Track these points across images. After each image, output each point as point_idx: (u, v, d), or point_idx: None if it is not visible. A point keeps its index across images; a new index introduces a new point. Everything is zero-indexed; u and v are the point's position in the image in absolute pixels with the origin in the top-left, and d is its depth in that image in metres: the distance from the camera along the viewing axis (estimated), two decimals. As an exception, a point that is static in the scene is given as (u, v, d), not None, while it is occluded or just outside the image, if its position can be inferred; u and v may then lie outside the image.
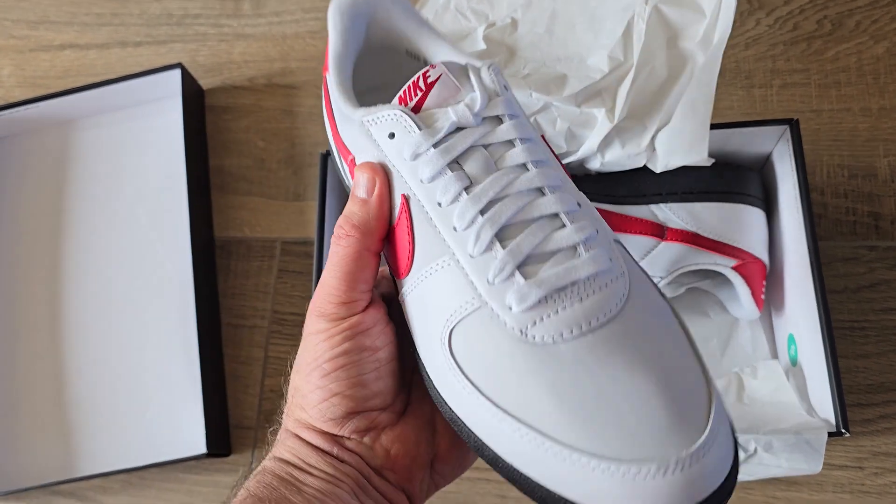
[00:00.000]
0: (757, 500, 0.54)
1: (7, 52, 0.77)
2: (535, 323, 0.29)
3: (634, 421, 0.27)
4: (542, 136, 0.35)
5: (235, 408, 0.63)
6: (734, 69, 0.63)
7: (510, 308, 0.29)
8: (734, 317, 0.57)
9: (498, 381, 0.29)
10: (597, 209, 0.51)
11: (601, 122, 0.49)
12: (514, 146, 0.32)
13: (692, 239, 0.51)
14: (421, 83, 0.33)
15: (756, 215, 0.53)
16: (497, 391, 0.29)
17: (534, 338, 0.29)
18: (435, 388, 0.32)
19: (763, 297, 0.53)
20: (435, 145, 0.32)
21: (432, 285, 0.31)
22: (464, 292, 0.30)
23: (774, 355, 0.56)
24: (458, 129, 0.32)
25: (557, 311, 0.29)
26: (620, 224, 0.51)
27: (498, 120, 0.32)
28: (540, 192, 0.31)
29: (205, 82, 0.71)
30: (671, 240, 0.51)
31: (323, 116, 0.40)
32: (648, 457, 0.26)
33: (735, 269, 0.52)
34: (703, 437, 0.26)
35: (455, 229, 0.31)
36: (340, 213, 0.34)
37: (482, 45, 0.52)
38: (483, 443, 0.30)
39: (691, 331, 0.31)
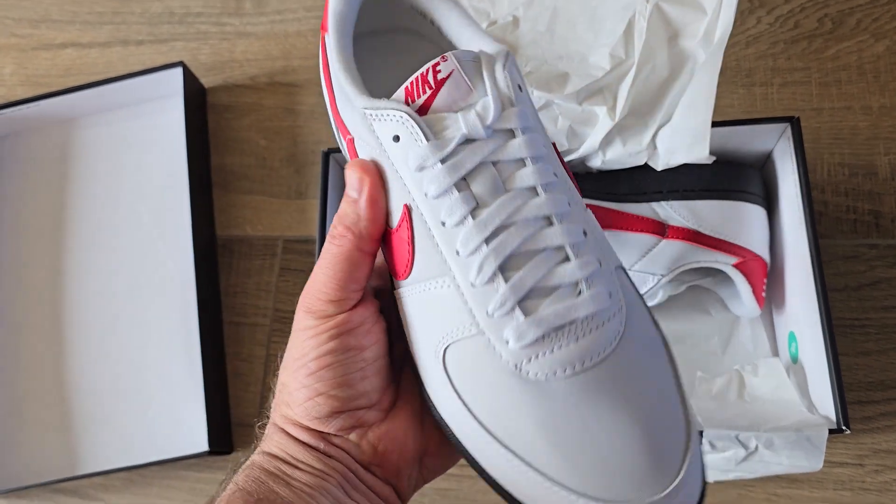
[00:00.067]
0: (758, 497, 0.54)
1: (9, 50, 0.77)
2: (530, 360, 0.29)
3: (614, 463, 0.28)
4: (554, 144, 0.34)
5: (237, 406, 0.63)
6: (735, 67, 0.63)
7: (507, 342, 0.29)
8: (735, 314, 0.57)
9: (488, 406, 0.30)
10: (598, 207, 0.51)
11: (602, 119, 0.49)
12: (524, 165, 0.31)
13: (693, 237, 0.51)
14: (430, 78, 0.31)
15: (757, 213, 0.53)
16: (487, 415, 0.30)
17: (528, 373, 0.29)
18: (426, 391, 0.32)
19: (764, 294, 0.54)
20: (443, 160, 0.30)
21: (430, 301, 0.31)
22: (461, 317, 0.30)
23: (775, 353, 0.56)
24: (467, 140, 0.30)
25: (553, 350, 0.29)
26: (621, 222, 0.51)
27: (510, 134, 0.31)
28: (548, 220, 0.30)
29: (206, 81, 0.72)
30: (672, 238, 0.51)
31: (320, 79, 0.37)
32: (623, 499, 0.28)
33: (736, 266, 0.52)
34: (675, 483, 0.28)
35: (458, 253, 0.30)
36: None
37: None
38: (468, 452, 0.31)
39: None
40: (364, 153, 0.33)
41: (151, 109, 0.71)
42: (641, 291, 0.52)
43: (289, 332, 0.34)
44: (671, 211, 0.51)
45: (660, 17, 0.47)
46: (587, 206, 0.51)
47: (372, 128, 0.32)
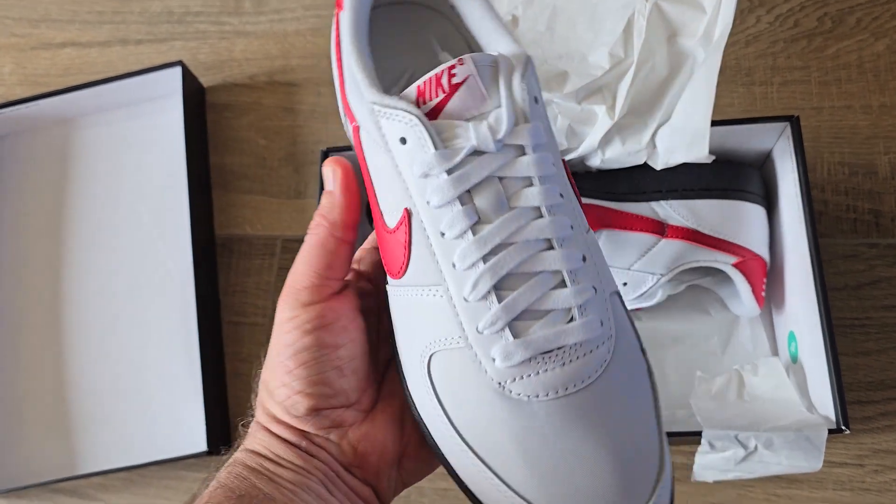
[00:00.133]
0: (757, 497, 0.54)
1: (8, 49, 0.77)
2: (514, 379, 0.29)
3: (584, 488, 0.28)
4: (564, 162, 0.33)
5: (236, 405, 0.63)
6: (735, 66, 0.63)
7: (493, 360, 0.29)
8: (735, 314, 0.57)
9: (468, 418, 0.30)
10: (597, 206, 0.51)
11: (602, 118, 0.49)
12: (531, 185, 0.30)
13: (693, 236, 0.51)
14: (445, 81, 0.30)
15: (756, 212, 0.53)
16: (466, 426, 0.30)
17: (510, 392, 0.29)
18: (408, 389, 0.33)
19: (763, 294, 0.53)
20: (449, 171, 0.29)
21: (420, 305, 0.31)
22: (451, 329, 0.30)
23: (775, 352, 0.56)
24: (476, 152, 0.29)
25: (538, 373, 0.29)
26: (621, 221, 0.51)
27: (520, 150, 0.30)
28: (548, 243, 0.30)
29: (206, 80, 0.71)
30: (672, 237, 0.51)
31: (331, 57, 0.35)
32: None
33: (735, 266, 0.52)
34: None
35: (454, 266, 0.30)
36: None
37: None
38: (443, 456, 0.31)
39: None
40: (368, 144, 0.32)
41: (150, 109, 0.70)
42: (641, 291, 0.53)
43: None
44: (670, 210, 0.51)
45: (659, 15, 0.47)
46: (587, 205, 0.51)
47: (379, 123, 0.31)
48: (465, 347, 0.30)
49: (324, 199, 0.34)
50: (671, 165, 0.49)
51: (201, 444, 0.59)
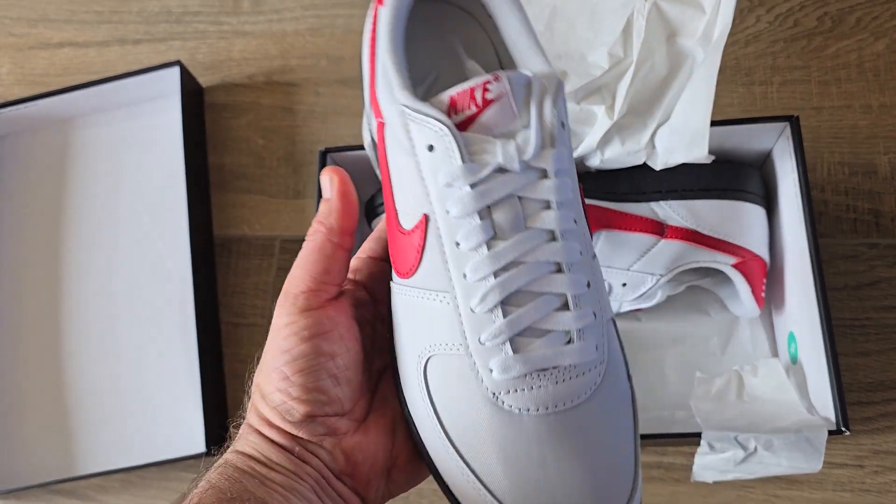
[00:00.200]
0: (757, 498, 0.54)
1: (6, 49, 0.77)
2: (508, 392, 0.30)
3: (561, 501, 0.30)
4: (581, 187, 0.34)
5: (235, 406, 0.63)
6: (734, 66, 0.63)
7: (491, 371, 0.30)
8: (734, 315, 0.57)
9: (459, 423, 0.31)
10: (596, 207, 0.51)
11: (601, 118, 0.49)
12: (549, 208, 0.31)
13: (692, 236, 0.51)
14: (479, 95, 0.30)
15: (756, 213, 0.53)
16: (454, 428, 0.31)
17: (503, 403, 0.30)
18: (401, 387, 0.34)
19: (763, 294, 0.53)
20: (472, 185, 0.30)
21: (425, 308, 0.32)
22: (453, 335, 0.31)
23: (775, 353, 0.56)
24: (500, 169, 0.30)
25: (532, 388, 0.30)
26: (620, 222, 0.51)
27: (543, 173, 0.31)
28: (557, 267, 0.31)
29: (204, 80, 0.71)
30: (671, 237, 0.51)
31: (361, 49, 0.36)
32: None
33: (735, 266, 0.52)
34: None
35: (465, 276, 0.31)
36: None
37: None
38: (429, 454, 0.32)
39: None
40: (392, 144, 0.33)
41: (149, 109, 0.70)
42: (640, 291, 0.53)
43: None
44: (670, 211, 0.51)
45: (658, 15, 0.47)
46: (587, 206, 0.51)
47: (408, 127, 0.31)
48: (465, 355, 0.31)
49: (322, 206, 0.35)
50: (671, 165, 0.49)
51: (200, 445, 0.59)
